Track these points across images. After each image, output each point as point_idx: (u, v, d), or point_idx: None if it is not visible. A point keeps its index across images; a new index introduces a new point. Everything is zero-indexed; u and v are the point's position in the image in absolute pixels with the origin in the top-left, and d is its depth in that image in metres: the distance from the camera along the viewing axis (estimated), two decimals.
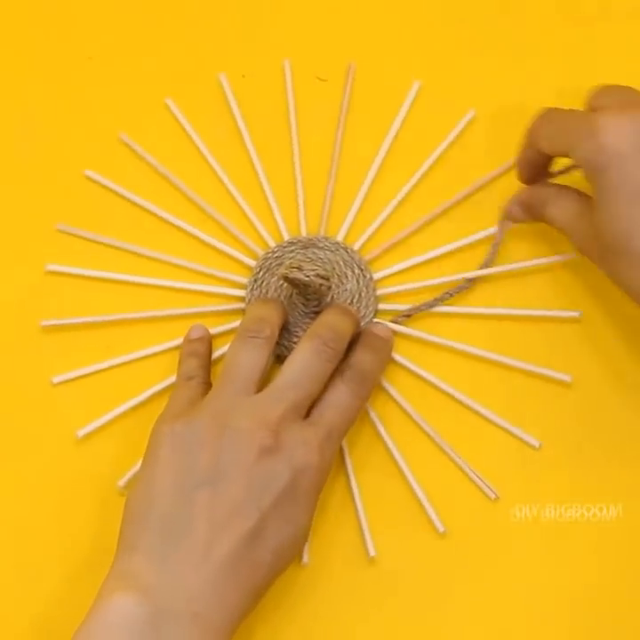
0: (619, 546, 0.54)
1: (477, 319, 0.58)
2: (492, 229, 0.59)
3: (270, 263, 0.59)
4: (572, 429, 0.56)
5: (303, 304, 0.58)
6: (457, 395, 0.56)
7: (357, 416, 0.54)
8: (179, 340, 0.58)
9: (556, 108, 0.56)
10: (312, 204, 0.60)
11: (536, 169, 0.58)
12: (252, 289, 0.58)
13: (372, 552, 0.54)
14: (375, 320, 0.58)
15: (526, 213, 0.58)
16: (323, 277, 0.55)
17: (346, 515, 0.55)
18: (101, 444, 0.57)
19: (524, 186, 0.58)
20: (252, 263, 0.59)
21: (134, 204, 0.60)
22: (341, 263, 0.58)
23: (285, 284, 0.57)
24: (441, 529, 0.54)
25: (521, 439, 0.56)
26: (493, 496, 0.55)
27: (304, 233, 0.60)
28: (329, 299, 0.58)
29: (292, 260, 0.57)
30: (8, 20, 0.64)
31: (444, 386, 0.57)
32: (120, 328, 0.58)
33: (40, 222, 0.60)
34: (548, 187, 0.58)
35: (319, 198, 0.60)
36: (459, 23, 0.64)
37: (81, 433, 0.56)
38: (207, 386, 0.55)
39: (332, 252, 0.59)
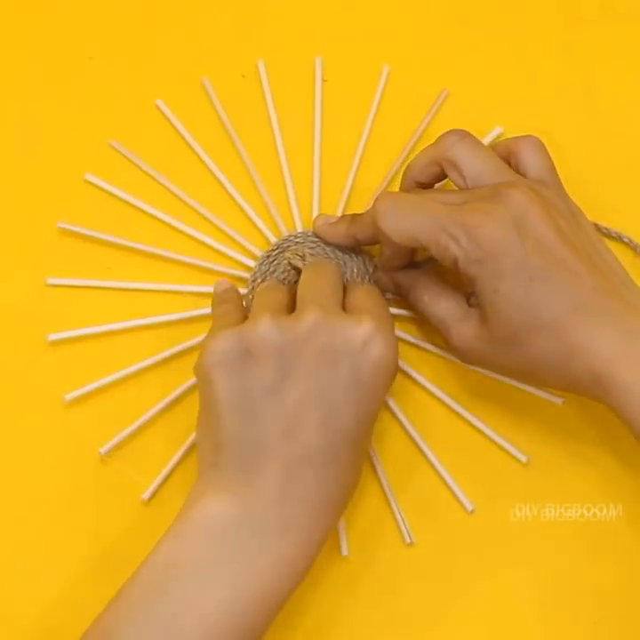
0: (619, 546, 0.55)
1: None
2: None
3: (271, 260, 0.59)
4: (572, 429, 0.56)
5: None
6: (451, 402, 0.57)
7: (388, 308, 0.55)
8: (180, 346, 0.57)
9: (404, 195, 0.55)
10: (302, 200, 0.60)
11: (401, 261, 0.56)
12: (252, 286, 0.58)
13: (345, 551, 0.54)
14: None
15: (396, 291, 0.57)
16: None
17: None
18: (115, 454, 0.56)
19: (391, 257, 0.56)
20: (252, 263, 0.59)
21: (134, 206, 0.60)
22: (354, 269, 0.58)
23: (291, 270, 0.57)
24: (408, 540, 0.54)
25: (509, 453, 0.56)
26: (470, 508, 0.55)
27: (300, 229, 0.60)
28: None
29: (299, 247, 0.57)
30: (8, 21, 0.64)
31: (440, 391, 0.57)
32: (124, 336, 0.58)
33: (40, 224, 0.60)
34: (422, 275, 0.56)
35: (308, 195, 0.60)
36: (452, 23, 0.64)
37: (103, 450, 0.56)
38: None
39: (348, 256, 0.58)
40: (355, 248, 0.58)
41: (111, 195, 0.60)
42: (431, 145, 0.55)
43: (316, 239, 0.58)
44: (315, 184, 0.60)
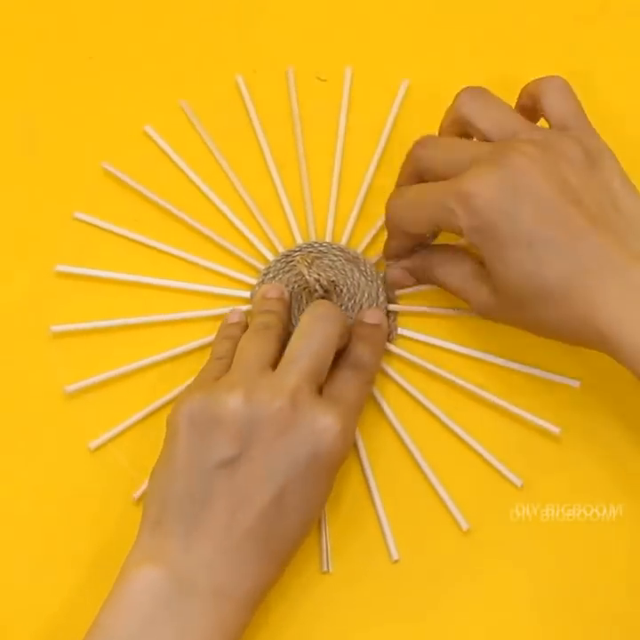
0: (619, 546, 0.54)
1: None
2: None
3: (281, 266, 0.58)
4: (572, 430, 0.56)
5: (308, 300, 0.57)
6: (460, 383, 0.57)
7: (365, 396, 0.55)
8: (189, 345, 0.58)
9: (405, 188, 0.55)
10: (319, 210, 0.60)
11: (408, 250, 0.57)
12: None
13: (396, 555, 0.54)
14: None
15: (412, 279, 0.57)
16: (321, 286, 0.55)
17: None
18: (113, 454, 0.56)
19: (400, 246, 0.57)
20: (262, 267, 0.59)
21: (150, 199, 0.60)
22: (362, 285, 0.58)
23: (295, 282, 0.57)
24: (465, 526, 0.54)
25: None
26: (519, 483, 0.55)
27: (314, 238, 0.60)
28: (341, 296, 0.57)
29: (308, 255, 0.57)
30: (8, 21, 0.64)
31: (454, 377, 0.57)
32: (131, 332, 0.58)
33: (51, 218, 0.60)
34: (432, 253, 0.56)
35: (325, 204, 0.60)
36: (452, 22, 0.64)
37: (93, 444, 0.56)
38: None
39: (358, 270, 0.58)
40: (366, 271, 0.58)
41: (128, 187, 0.60)
42: (450, 105, 0.55)
43: (322, 248, 0.58)
44: (306, 196, 0.60)
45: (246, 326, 0.56)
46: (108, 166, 0.60)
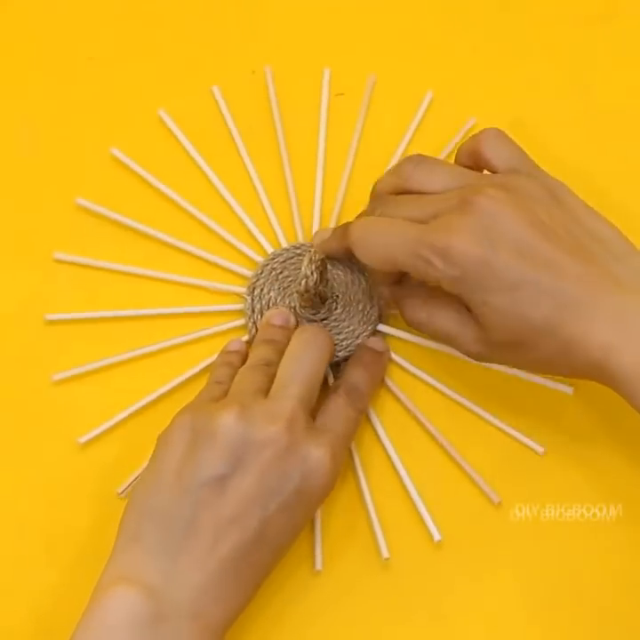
0: (619, 546, 0.54)
1: None
2: None
3: (274, 265, 0.59)
4: (572, 430, 0.56)
5: (311, 316, 0.57)
6: (456, 397, 0.57)
7: (358, 426, 0.55)
8: (178, 339, 0.58)
9: (374, 224, 0.53)
10: (305, 212, 0.60)
11: (391, 278, 0.55)
12: (253, 289, 0.58)
13: (386, 554, 0.54)
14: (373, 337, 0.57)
15: (395, 306, 0.56)
16: (307, 286, 0.54)
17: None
18: (102, 449, 0.56)
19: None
20: (259, 259, 0.59)
21: (154, 188, 0.60)
22: (340, 273, 0.58)
23: (294, 295, 0.57)
24: (437, 537, 0.54)
25: (524, 443, 0.56)
26: (496, 500, 0.55)
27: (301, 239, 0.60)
28: (334, 305, 0.57)
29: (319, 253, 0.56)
30: (12, 12, 0.65)
31: (446, 390, 0.57)
32: (125, 324, 0.58)
33: (53, 204, 0.60)
34: (419, 294, 0.54)
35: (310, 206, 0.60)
36: (462, 32, 0.64)
37: (83, 439, 0.56)
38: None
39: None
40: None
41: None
42: (391, 172, 0.55)
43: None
44: (316, 197, 0.60)
45: (246, 355, 0.56)
46: (115, 152, 0.60)
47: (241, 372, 0.54)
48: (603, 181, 0.60)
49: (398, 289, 0.55)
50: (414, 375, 0.57)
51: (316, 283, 0.54)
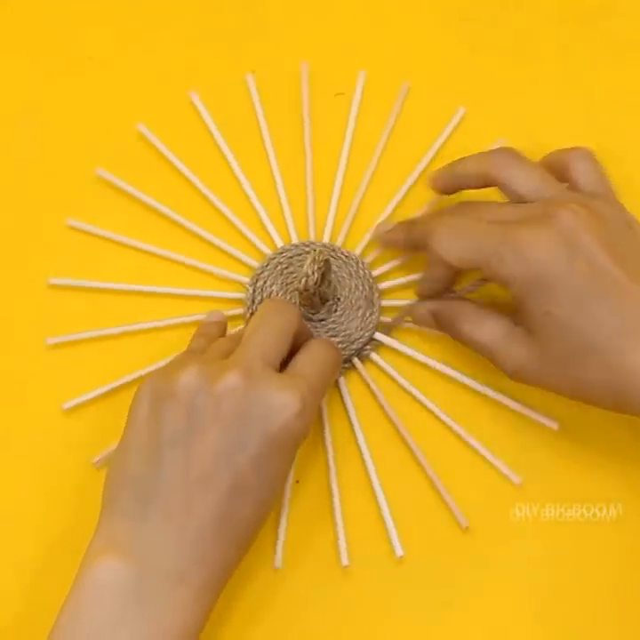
0: (619, 546, 0.54)
1: None
2: None
3: (280, 260, 0.59)
4: (572, 430, 0.56)
5: (310, 315, 0.57)
6: (458, 376, 0.57)
7: (336, 367, 0.54)
8: (175, 319, 0.58)
9: (457, 219, 0.54)
10: (320, 213, 0.60)
11: (444, 285, 0.56)
12: (256, 280, 0.58)
13: (345, 561, 0.54)
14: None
15: (434, 323, 0.56)
16: (307, 284, 0.54)
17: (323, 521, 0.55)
18: (87, 417, 0.57)
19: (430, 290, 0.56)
20: (268, 252, 0.59)
21: (144, 203, 0.60)
22: (345, 276, 0.58)
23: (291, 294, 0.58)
24: (399, 553, 0.54)
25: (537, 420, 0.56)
26: (464, 525, 0.55)
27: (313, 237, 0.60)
28: (334, 307, 0.57)
29: (324, 253, 0.55)
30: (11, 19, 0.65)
31: (448, 370, 0.57)
32: (125, 298, 0.59)
33: (44, 226, 0.60)
34: (462, 305, 0.55)
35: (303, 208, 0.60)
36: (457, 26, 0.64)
37: (67, 405, 0.56)
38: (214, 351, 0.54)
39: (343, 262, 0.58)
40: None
41: (122, 192, 0.60)
42: (482, 158, 0.55)
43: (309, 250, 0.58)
44: (333, 198, 0.60)
45: (224, 328, 0.56)
46: (102, 172, 0.60)
47: (210, 346, 0.53)
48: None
49: (443, 306, 0.56)
50: (403, 387, 0.57)
51: (316, 283, 0.54)
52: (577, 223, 0.51)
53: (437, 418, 0.56)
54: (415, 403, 0.57)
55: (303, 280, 0.54)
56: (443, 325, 0.56)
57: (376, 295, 0.58)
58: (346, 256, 0.58)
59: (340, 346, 0.56)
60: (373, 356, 0.57)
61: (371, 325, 0.57)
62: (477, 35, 0.64)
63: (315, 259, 0.54)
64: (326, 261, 0.55)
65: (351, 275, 0.58)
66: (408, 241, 0.57)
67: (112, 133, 0.62)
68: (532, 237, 0.51)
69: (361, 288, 0.58)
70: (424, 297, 0.57)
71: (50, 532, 0.55)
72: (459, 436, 0.56)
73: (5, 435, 0.57)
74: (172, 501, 0.48)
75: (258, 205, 0.60)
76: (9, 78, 0.63)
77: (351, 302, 0.58)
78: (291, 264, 0.58)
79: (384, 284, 0.59)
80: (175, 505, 0.48)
